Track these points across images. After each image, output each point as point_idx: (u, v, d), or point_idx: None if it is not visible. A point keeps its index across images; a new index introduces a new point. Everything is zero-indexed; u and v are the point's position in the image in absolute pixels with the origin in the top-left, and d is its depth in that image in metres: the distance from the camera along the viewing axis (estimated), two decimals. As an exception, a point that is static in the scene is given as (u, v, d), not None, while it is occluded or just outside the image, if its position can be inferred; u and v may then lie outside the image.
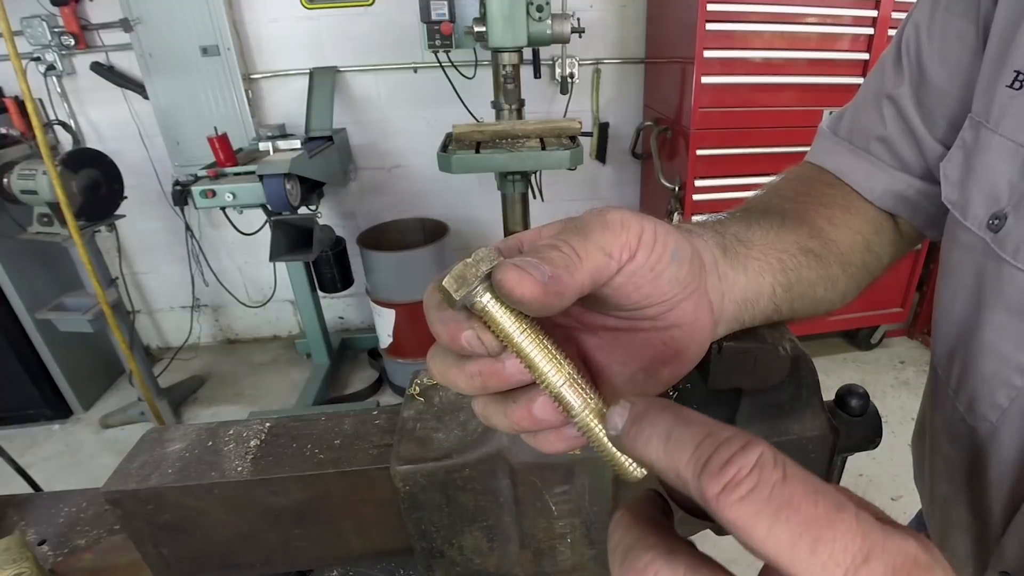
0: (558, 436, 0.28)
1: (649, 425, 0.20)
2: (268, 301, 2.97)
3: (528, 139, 2.03)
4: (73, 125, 2.60)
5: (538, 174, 2.35)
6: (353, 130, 2.74)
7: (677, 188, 2.39)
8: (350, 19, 2.54)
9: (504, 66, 2.11)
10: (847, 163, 0.54)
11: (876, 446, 0.49)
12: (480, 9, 2.00)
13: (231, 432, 0.50)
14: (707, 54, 2.09)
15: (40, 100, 2.46)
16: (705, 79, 2.14)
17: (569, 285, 0.24)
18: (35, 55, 2.40)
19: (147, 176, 2.71)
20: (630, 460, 0.25)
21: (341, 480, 0.46)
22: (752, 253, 0.39)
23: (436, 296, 0.26)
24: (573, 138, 2.05)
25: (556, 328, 0.30)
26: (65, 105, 2.56)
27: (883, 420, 0.48)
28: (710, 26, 2.05)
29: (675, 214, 2.42)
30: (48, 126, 2.52)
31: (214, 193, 2.03)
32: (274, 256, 2.24)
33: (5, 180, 2.03)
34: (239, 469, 0.46)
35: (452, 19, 2.25)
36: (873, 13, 2.12)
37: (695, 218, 0.42)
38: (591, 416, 0.25)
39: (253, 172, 2.03)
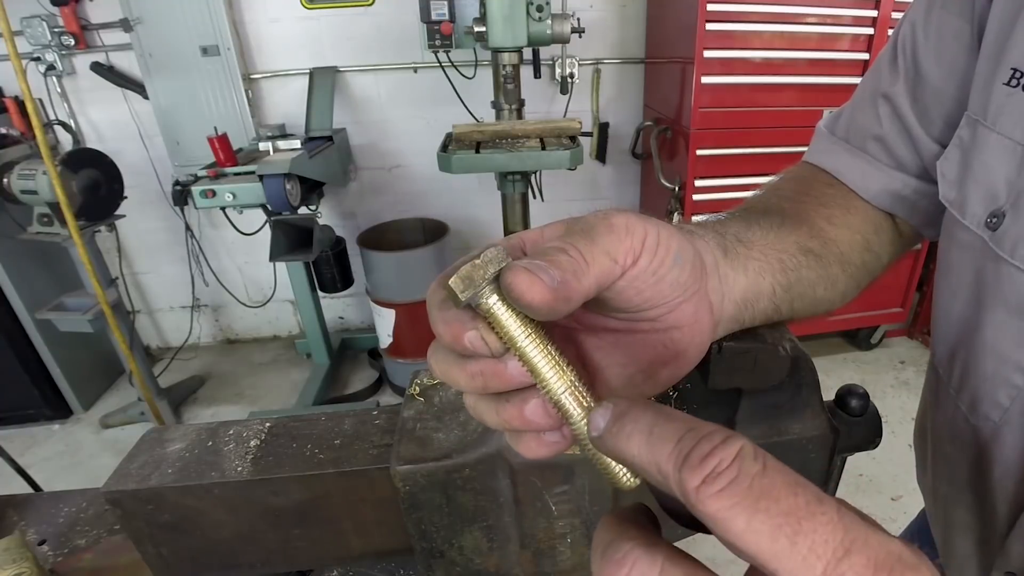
0: (539, 442, 0.27)
1: (631, 421, 0.20)
2: (268, 301, 2.97)
3: (528, 139, 2.03)
4: (73, 125, 2.60)
5: (538, 174, 2.35)
6: (353, 130, 2.74)
7: (677, 188, 2.39)
8: (350, 19, 2.54)
9: (504, 66, 2.11)
10: (844, 163, 0.54)
11: (876, 446, 0.49)
12: (480, 9, 2.00)
13: (231, 432, 0.50)
14: (707, 54, 2.09)
15: (40, 100, 2.46)
16: (705, 79, 2.14)
17: (576, 290, 0.24)
18: (35, 55, 2.40)
19: (147, 176, 2.71)
20: (627, 469, 0.25)
21: (341, 480, 0.46)
22: (752, 253, 0.39)
23: (439, 294, 0.25)
24: (573, 138, 2.05)
25: (556, 329, 0.30)
26: (65, 105, 2.56)
27: (883, 420, 0.48)
28: (710, 26, 2.05)
29: (675, 214, 2.42)
30: (48, 126, 2.52)
31: (214, 193, 2.03)
32: (274, 256, 2.24)
33: (5, 180, 2.03)
34: (239, 469, 0.46)
35: (452, 19, 2.25)
36: (873, 13, 2.12)
37: (695, 218, 0.42)
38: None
39: (253, 172, 2.03)
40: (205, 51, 2.42)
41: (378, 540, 0.50)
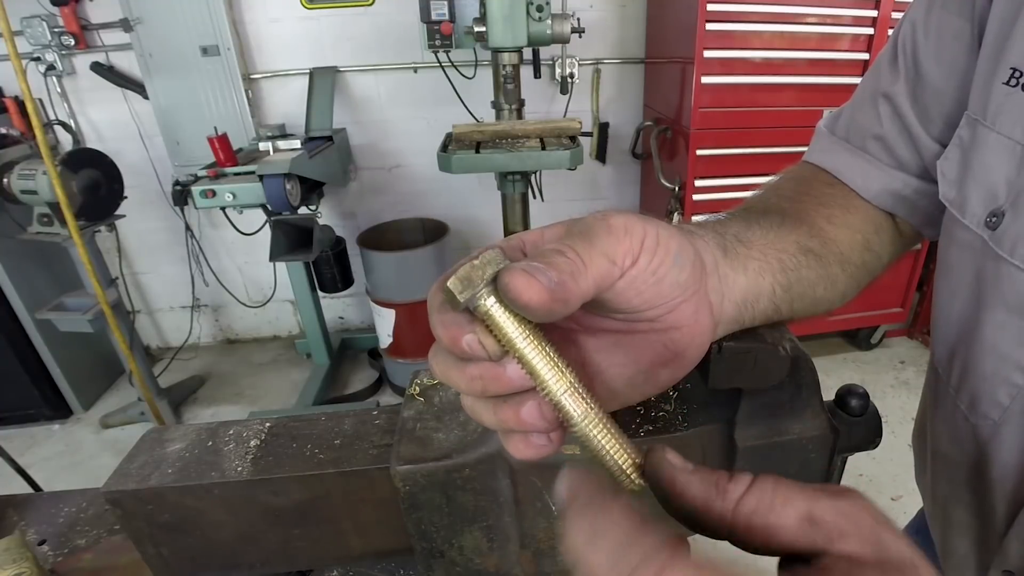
0: (526, 443, 0.27)
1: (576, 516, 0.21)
2: (268, 301, 2.97)
3: (528, 139, 2.03)
4: (73, 125, 2.60)
5: (538, 174, 2.35)
6: (353, 130, 2.74)
7: (677, 188, 2.39)
8: (350, 19, 2.54)
9: (504, 66, 2.11)
10: (844, 162, 0.54)
11: (876, 446, 0.49)
12: (480, 9, 2.00)
13: (231, 432, 0.50)
14: (707, 54, 2.09)
15: (40, 100, 2.46)
16: (705, 79, 2.14)
17: (574, 292, 0.24)
18: (35, 55, 2.40)
19: (147, 176, 2.71)
20: (629, 470, 0.25)
21: (341, 480, 0.46)
22: (752, 253, 0.39)
23: (439, 297, 0.25)
24: (573, 138, 2.05)
25: (555, 330, 0.30)
26: (65, 105, 2.56)
27: (883, 420, 0.48)
28: (710, 26, 2.05)
29: (675, 214, 2.42)
30: (48, 126, 2.52)
31: (214, 193, 2.03)
32: (274, 256, 2.24)
33: (5, 180, 2.03)
34: (239, 469, 0.46)
35: (452, 19, 2.25)
36: (873, 13, 2.12)
37: (695, 218, 0.42)
38: (591, 426, 0.25)
39: (253, 172, 2.03)
40: (205, 51, 2.42)
41: (378, 540, 0.50)
